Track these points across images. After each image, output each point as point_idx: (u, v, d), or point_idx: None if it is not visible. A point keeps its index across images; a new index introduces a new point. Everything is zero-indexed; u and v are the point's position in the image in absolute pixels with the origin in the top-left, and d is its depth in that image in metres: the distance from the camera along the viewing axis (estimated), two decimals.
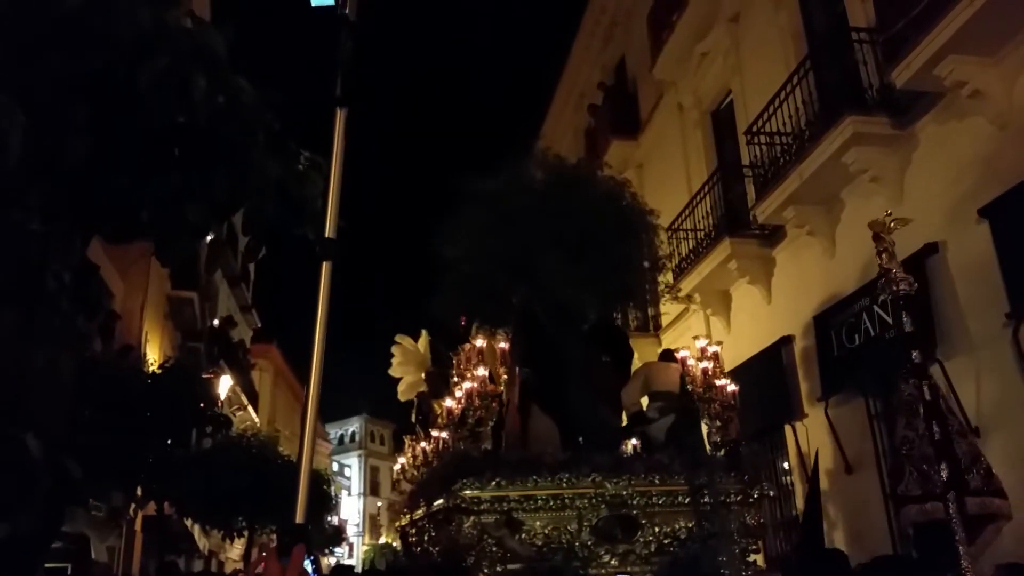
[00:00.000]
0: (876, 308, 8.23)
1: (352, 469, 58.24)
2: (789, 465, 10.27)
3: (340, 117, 1.64)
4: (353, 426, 59.76)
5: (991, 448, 6.94)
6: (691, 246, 11.94)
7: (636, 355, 12.55)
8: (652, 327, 14.25)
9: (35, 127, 2.39)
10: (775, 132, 9.56)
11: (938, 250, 7.67)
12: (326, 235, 1.56)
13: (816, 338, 9.46)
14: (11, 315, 3.46)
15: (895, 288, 3.40)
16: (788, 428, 10.08)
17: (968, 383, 7.22)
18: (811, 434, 9.65)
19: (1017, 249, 6.73)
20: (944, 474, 3.00)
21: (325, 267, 1.59)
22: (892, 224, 3.54)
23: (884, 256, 3.49)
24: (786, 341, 10.26)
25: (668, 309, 12.91)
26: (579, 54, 18.48)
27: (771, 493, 7.95)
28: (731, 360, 11.41)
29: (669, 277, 11.78)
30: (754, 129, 9.97)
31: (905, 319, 3.31)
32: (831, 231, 9.37)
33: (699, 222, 11.78)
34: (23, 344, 3.68)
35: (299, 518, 1.47)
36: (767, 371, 10.47)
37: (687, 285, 11.80)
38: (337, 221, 1.58)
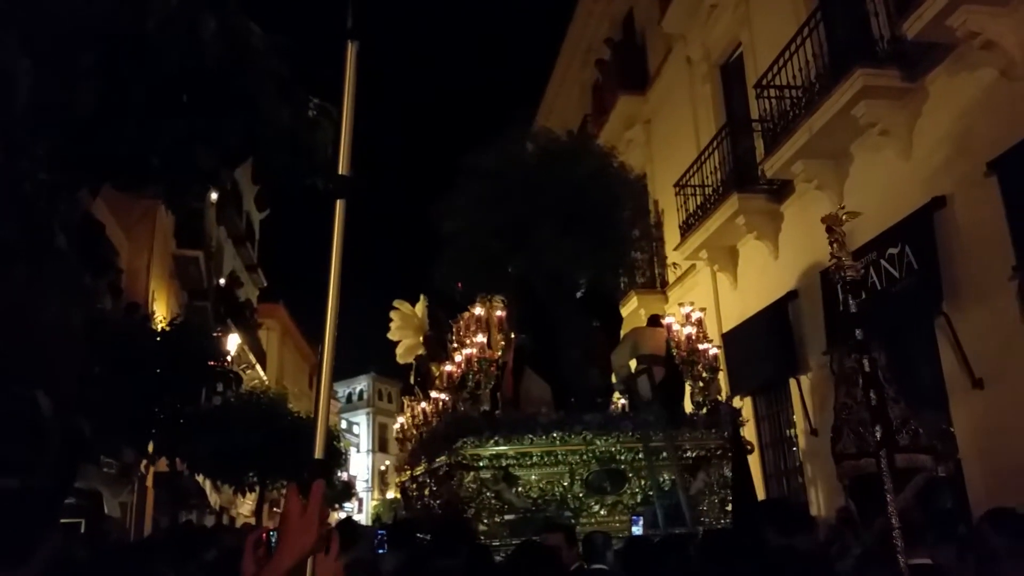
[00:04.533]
0: (883, 262, 8.21)
1: (360, 427, 58.79)
2: (795, 417, 10.36)
3: (352, 51, 1.61)
4: (361, 384, 60.17)
5: (994, 397, 7.01)
6: (699, 202, 11.88)
7: (643, 311, 12.66)
8: (659, 284, 14.25)
9: (42, 73, 2.37)
10: (785, 85, 9.45)
11: (946, 204, 7.64)
12: (339, 172, 1.53)
13: (822, 293, 9.45)
14: (21, 270, 3.47)
15: (843, 274, 3.80)
16: (793, 381, 10.15)
17: (973, 335, 7.25)
18: (815, 387, 9.71)
19: None
20: (878, 434, 3.35)
21: (339, 205, 1.54)
22: (844, 216, 3.92)
23: (835, 245, 3.84)
24: (792, 296, 10.28)
25: (675, 266, 12.93)
26: (586, 7, 18.19)
27: (750, 448, 8.28)
28: (737, 315, 11.49)
29: (671, 239, 11.83)
30: (764, 82, 9.85)
31: (851, 302, 3.73)
32: (840, 185, 9.31)
33: (707, 178, 11.70)
34: (33, 300, 3.69)
35: (318, 453, 1.45)
36: (773, 326, 10.52)
37: (694, 241, 11.78)
38: (350, 158, 1.55)
